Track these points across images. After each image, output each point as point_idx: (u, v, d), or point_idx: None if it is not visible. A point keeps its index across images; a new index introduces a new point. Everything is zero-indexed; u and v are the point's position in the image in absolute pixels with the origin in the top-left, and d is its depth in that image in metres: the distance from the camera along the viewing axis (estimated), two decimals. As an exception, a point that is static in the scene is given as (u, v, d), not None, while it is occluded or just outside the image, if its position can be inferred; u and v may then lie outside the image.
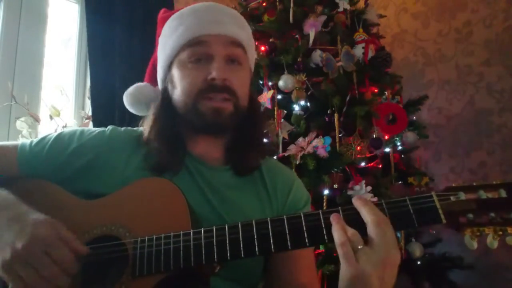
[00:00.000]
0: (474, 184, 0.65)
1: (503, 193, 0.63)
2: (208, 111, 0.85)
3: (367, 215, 0.64)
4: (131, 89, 1.03)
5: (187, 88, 0.87)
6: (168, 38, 0.92)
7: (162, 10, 1.05)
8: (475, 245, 0.64)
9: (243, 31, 0.93)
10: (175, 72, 0.90)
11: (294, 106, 1.84)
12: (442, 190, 0.66)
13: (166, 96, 0.92)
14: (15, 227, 0.72)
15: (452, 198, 0.64)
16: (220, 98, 0.85)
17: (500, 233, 0.63)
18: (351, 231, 0.63)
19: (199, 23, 0.88)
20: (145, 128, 0.93)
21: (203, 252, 0.69)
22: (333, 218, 0.66)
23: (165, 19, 0.97)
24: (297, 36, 1.95)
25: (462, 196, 0.64)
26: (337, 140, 1.73)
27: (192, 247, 0.70)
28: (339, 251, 0.62)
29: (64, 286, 0.70)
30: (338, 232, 0.64)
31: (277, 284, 0.89)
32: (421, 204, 0.64)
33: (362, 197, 0.67)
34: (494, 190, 0.64)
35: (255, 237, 0.68)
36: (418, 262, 1.77)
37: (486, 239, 0.64)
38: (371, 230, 0.62)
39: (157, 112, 0.92)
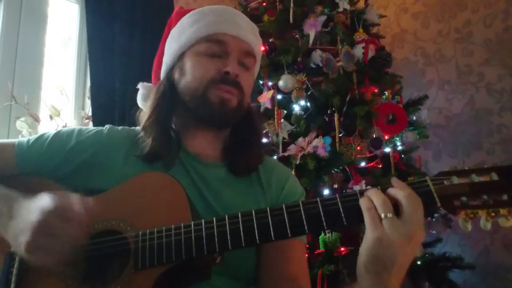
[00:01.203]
0: (467, 168, 0.67)
1: (494, 176, 0.65)
2: (216, 100, 0.88)
3: (403, 188, 0.66)
4: (139, 91, 1.05)
5: (199, 76, 0.90)
6: (186, 29, 0.95)
7: (179, 8, 1.09)
8: (469, 227, 0.66)
9: (257, 40, 0.99)
10: (188, 61, 0.92)
11: (294, 106, 1.84)
12: (436, 175, 0.68)
13: (170, 84, 0.94)
14: (26, 210, 0.73)
15: (445, 182, 0.66)
16: (228, 90, 0.89)
17: (493, 214, 0.65)
18: (382, 197, 0.65)
19: (219, 21, 0.92)
20: (142, 115, 0.94)
21: (204, 243, 0.70)
22: (369, 191, 0.67)
23: (182, 14, 1.00)
24: (297, 36, 1.95)
25: (455, 180, 0.66)
26: (337, 140, 1.73)
27: (193, 239, 0.71)
28: (365, 216, 0.64)
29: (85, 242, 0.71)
30: (366, 199, 0.66)
31: (267, 276, 0.90)
32: (417, 189, 0.66)
33: (400, 181, 0.68)
34: (486, 173, 0.66)
35: (255, 226, 0.69)
36: (418, 262, 1.77)
37: (479, 222, 0.66)
38: (404, 202, 0.64)
39: (158, 99, 0.93)
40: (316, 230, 0.69)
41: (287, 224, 0.69)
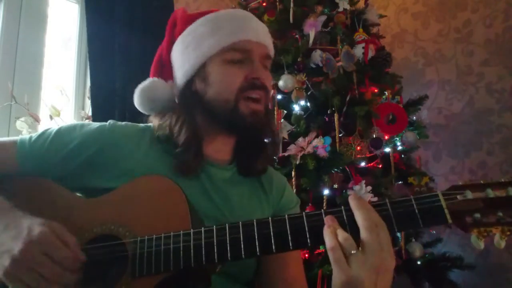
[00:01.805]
0: (482, 182, 0.63)
1: (511, 191, 0.60)
2: (247, 112, 0.89)
3: (359, 219, 0.63)
4: (146, 85, 0.98)
5: (228, 85, 0.90)
6: (206, 38, 0.92)
7: (182, 9, 1.04)
8: (482, 245, 0.62)
9: (271, 41, 1.00)
10: (214, 71, 0.91)
11: (294, 106, 1.83)
12: (448, 189, 0.64)
13: (193, 94, 0.93)
14: (11, 233, 0.72)
15: (458, 197, 0.62)
16: (258, 96, 0.91)
17: (508, 233, 0.60)
18: (343, 235, 0.62)
19: (240, 29, 0.92)
20: (174, 127, 0.92)
21: (203, 252, 0.69)
22: (326, 220, 0.65)
23: (189, 19, 0.98)
24: (297, 36, 1.94)
25: (469, 195, 0.62)
26: (337, 140, 1.73)
27: (192, 247, 0.69)
28: (330, 256, 0.61)
29: (71, 283, 0.70)
30: (329, 236, 0.63)
31: (265, 280, 0.91)
32: (427, 204, 0.62)
33: (357, 197, 0.65)
34: (502, 188, 0.61)
35: (256, 237, 0.67)
36: (418, 262, 1.77)
37: (493, 239, 0.62)
38: (363, 235, 0.61)
39: (190, 113, 0.92)
40: (319, 243, 0.66)
41: (289, 236, 0.66)
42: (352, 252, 0.60)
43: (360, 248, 0.61)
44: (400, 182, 1.90)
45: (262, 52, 0.94)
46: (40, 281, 0.68)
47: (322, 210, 0.67)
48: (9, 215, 0.76)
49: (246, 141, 0.98)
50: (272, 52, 0.99)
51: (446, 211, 0.61)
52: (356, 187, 1.64)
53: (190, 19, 0.98)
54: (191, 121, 0.91)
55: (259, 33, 0.95)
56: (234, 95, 0.89)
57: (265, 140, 0.99)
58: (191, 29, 0.96)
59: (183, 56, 0.96)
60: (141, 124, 1.00)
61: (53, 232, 0.72)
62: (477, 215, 0.61)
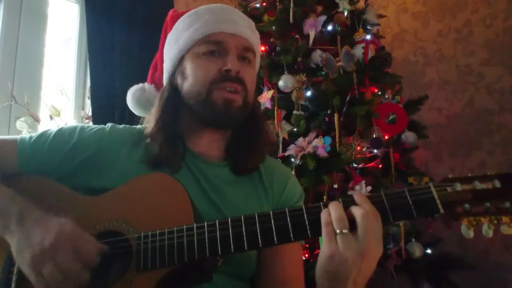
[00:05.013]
0: (470, 175, 0.68)
1: (497, 184, 0.65)
2: (220, 101, 0.88)
3: (361, 205, 0.67)
4: (132, 91, 1.06)
5: (200, 78, 0.89)
6: (183, 33, 0.94)
7: (172, 10, 1.08)
8: (471, 234, 0.67)
9: (254, 35, 0.98)
10: (188, 64, 0.92)
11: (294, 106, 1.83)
12: (439, 181, 0.68)
13: (174, 89, 0.94)
14: (41, 227, 0.72)
15: (448, 189, 0.66)
16: (232, 89, 0.89)
17: (495, 222, 0.65)
18: (339, 214, 0.65)
19: (215, 21, 0.92)
20: (149, 120, 0.94)
21: (207, 246, 0.70)
22: (331, 204, 0.68)
23: (177, 18, 1.00)
24: (297, 36, 1.94)
25: (458, 187, 0.66)
26: (337, 140, 1.73)
27: (196, 241, 0.71)
28: (323, 230, 0.66)
29: (85, 282, 0.70)
30: (325, 214, 0.67)
31: (262, 278, 0.91)
32: (420, 195, 0.66)
33: (362, 195, 0.69)
34: (489, 181, 0.66)
35: (258, 230, 0.69)
36: (418, 262, 1.77)
37: (482, 228, 0.67)
38: (358, 220, 0.65)
39: (163, 106, 0.94)
40: (319, 235, 0.69)
41: (290, 228, 0.69)
42: (344, 231, 0.64)
43: (353, 230, 0.65)
44: (400, 183, 1.90)
45: (239, 44, 0.92)
46: (60, 278, 0.68)
47: (321, 203, 0.70)
48: (36, 212, 0.75)
49: (236, 138, 0.97)
50: (254, 44, 0.96)
51: (438, 201, 0.65)
52: (356, 187, 1.64)
53: (177, 18, 1.00)
54: (165, 113, 0.92)
55: (237, 25, 0.93)
56: (206, 88, 0.88)
57: (256, 138, 0.97)
58: (174, 26, 0.99)
59: (166, 54, 0.99)
60: (139, 126, 1.01)
61: (80, 231, 0.73)
62: (467, 206, 0.66)
